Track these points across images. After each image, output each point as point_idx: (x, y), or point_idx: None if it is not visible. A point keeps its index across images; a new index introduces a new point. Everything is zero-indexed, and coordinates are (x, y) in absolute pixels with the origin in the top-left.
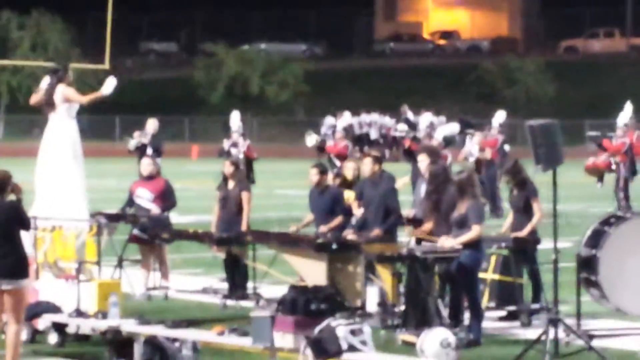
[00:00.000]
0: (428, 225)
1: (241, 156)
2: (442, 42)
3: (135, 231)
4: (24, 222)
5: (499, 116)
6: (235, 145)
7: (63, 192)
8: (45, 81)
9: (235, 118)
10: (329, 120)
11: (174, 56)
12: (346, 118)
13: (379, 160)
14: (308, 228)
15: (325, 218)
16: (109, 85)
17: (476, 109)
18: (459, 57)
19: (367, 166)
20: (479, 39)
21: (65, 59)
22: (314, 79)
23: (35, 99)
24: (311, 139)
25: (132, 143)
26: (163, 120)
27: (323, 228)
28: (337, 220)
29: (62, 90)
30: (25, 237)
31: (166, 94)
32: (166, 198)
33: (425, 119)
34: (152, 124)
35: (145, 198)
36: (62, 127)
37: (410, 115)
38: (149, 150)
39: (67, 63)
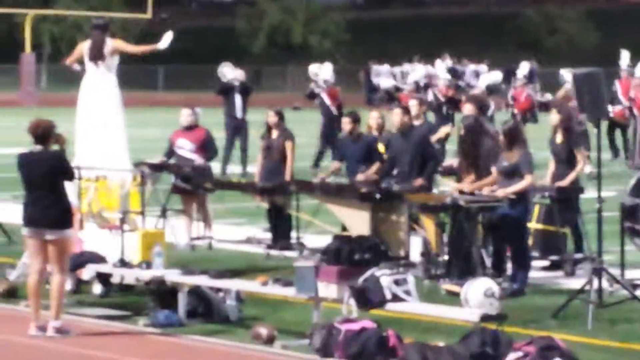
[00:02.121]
0: (468, 179)
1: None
2: None
3: (177, 181)
4: (68, 173)
5: (524, 67)
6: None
7: (105, 143)
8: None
9: (327, 69)
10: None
11: (215, 5)
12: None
13: (407, 110)
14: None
15: (358, 166)
16: (166, 39)
17: (518, 57)
18: (500, 5)
19: (397, 117)
20: None
21: (107, 8)
22: (355, 28)
23: (72, 58)
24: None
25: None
26: (205, 70)
27: (361, 176)
28: (374, 167)
29: (114, 43)
30: (70, 187)
31: (208, 43)
32: (207, 148)
33: (421, 69)
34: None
35: (186, 148)
36: (103, 79)
37: (451, 64)
38: (237, 95)
39: (107, 18)
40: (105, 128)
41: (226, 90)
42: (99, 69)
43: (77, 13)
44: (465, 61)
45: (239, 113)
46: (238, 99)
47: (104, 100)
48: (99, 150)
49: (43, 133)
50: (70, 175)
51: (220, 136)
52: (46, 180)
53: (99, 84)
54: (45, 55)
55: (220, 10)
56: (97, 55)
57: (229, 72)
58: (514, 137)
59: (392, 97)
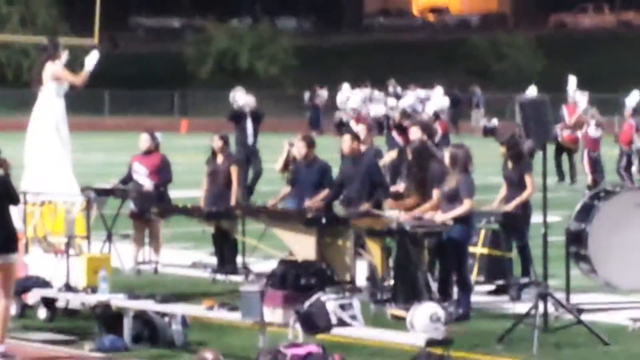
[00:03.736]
0: (409, 201)
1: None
2: (431, 17)
3: (133, 207)
4: (13, 198)
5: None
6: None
7: (51, 169)
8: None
9: (356, 97)
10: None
11: (163, 31)
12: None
13: (357, 137)
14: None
15: (312, 191)
16: (92, 59)
17: (466, 84)
18: (448, 32)
19: (346, 144)
20: (468, 14)
21: (54, 33)
22: (303, 54)
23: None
24: None
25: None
26: (152, 95)
27: (308, 202)
28: (323, 193)
29: (52, 68)
30: (15, 211)
31: (156, 68)
32: (161, 173)
33: (412, 95)
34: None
35: (140, 173)
36: (48, 105)
37: (397, 89)
38: (249, 121)
39: (57, 40)
40: (46, 153)
41: (238, 117)
42: (42, 93)
43: (23, 38)
44: (412, 86)
45: (250, 139)
46: (249, 125)
47: (43, 126)
48: (44, 175)
49: None
50: (15, 200)
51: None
52: None
53: (40, 109)
54: None
55: (168, 35)
56: (36, 79)
57: (241, 98)
58: (456, 162)
59: (341, 124)
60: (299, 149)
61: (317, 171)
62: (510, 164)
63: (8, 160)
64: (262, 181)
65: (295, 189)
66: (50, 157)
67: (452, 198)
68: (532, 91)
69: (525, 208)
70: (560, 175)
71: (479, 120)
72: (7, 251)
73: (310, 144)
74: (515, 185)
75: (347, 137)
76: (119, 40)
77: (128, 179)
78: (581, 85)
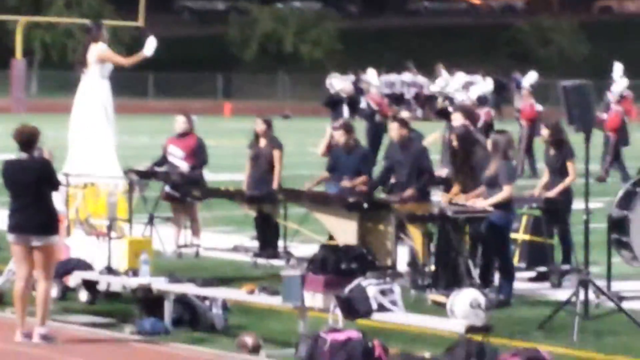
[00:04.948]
0: (455, 189)
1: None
2: (476, 1)
3: (168, 188)
4: (54, 183)
5: (530, 77)
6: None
7: (95, 151)
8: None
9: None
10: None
11: (207, 13)
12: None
13: (405, 124)
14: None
15: (351, 178)
16: (150, 45)
17: (510, 68)
18: (493, 16)
19: (395, 131)
20: None
21: (99, 16)
22: (347, 38)
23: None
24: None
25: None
26: (196, 78)
27: (346, 183)
28: (362, 178)
29: (98, 50)
30: (57, 194)
31: (200, 51)
32: (197, 156)
33: (459, 79)
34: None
35: (176, 155)
36: (94, 87)
37: (444, 74)
38: (345, 107)
39: (101, 21)
40: (92, 135)
41: (333, 103)
42: (86, 75)
43: (69, 20)
44: (455, 71)
45: None
46: (345, 111)
47: (89, 107)
48: (88, 157)
49: (28, 139)
50: (55, 186)
51: (223, 144)
52: (32, 188)
53: (86, 90)
54: (36, 62)
55: (212, 18)
56: (81, 61)
57: (337, 84)
58: (496, 148)
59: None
60: (337, 137)
61: (357, 158)
62: (552, 151)
63: (51, 144)
64: (302, 165)
65: (334, 176)
66: (96, 139)
67: (493, 184)
68: (532, 77)
69: (567, 194)
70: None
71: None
72: (47, 233)
73: (348, 130)
74: (557, 171)
75: (395, 125)
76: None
77: (163, 161)
78: (626, 72)
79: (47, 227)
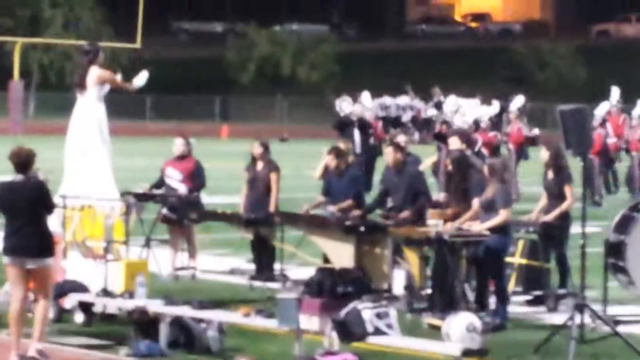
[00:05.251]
0: (450, 211)
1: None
2: (473, 24)
3: (165, 211)
4: (48, 206)
5: (518, 101)
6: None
7: (92, 173)
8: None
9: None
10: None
11: (205, 36)
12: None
13: (400, 148)
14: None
15: (343, 202)
16: (141, 78)
17: (507, 92)
18: (490, 40)
19: (389, 155)
20: (511, 22)
21: (97, 37)
22: (345, 61)
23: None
24: None
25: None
26: (193, 100)
27: (332, 208)
28: (347, 202)
29: (97, 72)
30: (54, 215)
31: (197, 73)
32: (195, 178)
33: (451, 102)
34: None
35: (174, 178)
36: (90, 109)
37: (441, 98)
38: (356, 130)
39: (98, 44)
40: (88, 157)
41: (344, 125)
42: (83, 97)
43: (66, 42)
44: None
45: (357, 149)
46: (356, 134)
47: (85, 129)
48: (84, 179)
49: (24, 161)
50: (50, 209)
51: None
52: (27, 210)
53: (82, 113)
54: (33, 84)
55: (209, 40)
56: (79, 83)
57: (347, 107)
58: (493, 172)
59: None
60: (329, 161)
61: (346, 181)
62: (550, 174)
63: (48, 166)
64: (299, 188)
65: (328, 200)
66: (91, 161)
67: (490, 208)
68: (519, 101)
69: (564, 219)
70: (606, 186)
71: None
72: (42, 255)
73: (339, 155)
74: (555, 195)
75: (389, 149)
76: (160, 46)
77: (160, 183)
78: (623, 96)
79: (42, 250)
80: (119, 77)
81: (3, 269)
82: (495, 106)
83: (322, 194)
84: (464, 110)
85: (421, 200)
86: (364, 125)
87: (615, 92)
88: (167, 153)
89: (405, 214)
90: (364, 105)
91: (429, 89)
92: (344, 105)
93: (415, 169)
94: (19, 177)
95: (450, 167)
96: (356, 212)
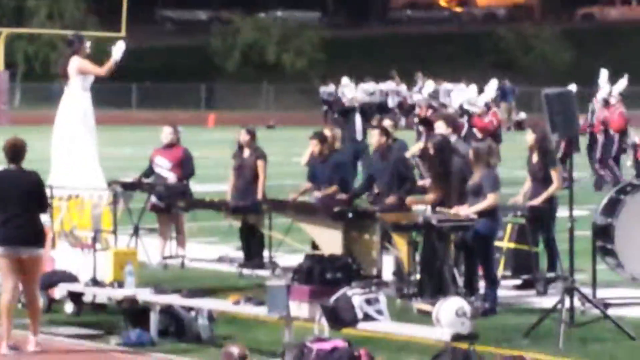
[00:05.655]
0: (430, 196)
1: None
2: (458, 9)
3: (154, 199)
4: (42, 205)
5: (620, 84)
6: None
7: (79, 163)
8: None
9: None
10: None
11: (189, 24)
12: (429, 85)
13: (386, 132)
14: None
15: (326, 187)
16: (118, 49)
17: (492, 76)
18: (475, 24)
19: (374, 138)
20: (495, 6)
21: (82, 27)
22: (330, 47)
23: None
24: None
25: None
26: (179, 88)
27: (317, 193)
28: (332, 188)
29: (77, 62)
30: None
31: (182, 61)
32: (184, 167)
33: (429, 86)
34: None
35: (163, 166)
36: (75, 99)
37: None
38: (357, 116)
39: (82, 34)
40: (74, 147)
41: (346, 112)
42: (68, 87)
43: (51, 31)
44: (440, 80)
45: (359, 135)
46: (358, 120)
47: (70, 119)
48: (71, 169)
49: (20, 151)
50: (43, 207)
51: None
52: (22, 199)
53: (67, 103)
54: (19, 74)
55: (194, 28)
56: (62, 74)
57: (349, 93)
58: (479, 157)
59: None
60: (312, 146)
61: (329, 167)
62: (535, 157)
63: (35, 156)
64: (286, 175)
65: (313, 185)
66: (77, 151)
67: (477, 193)
68: (622, 84)
69: (550, 202)
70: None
71: (509, 113)
72: (36, 245)
73: (322, 140)
74: (540, 179)
75: (375, 132)
76: (146, 35)
77: (149, 172)
78: (611, 79)
79: (36, 240)
80: (98, 69)
81: None
82: (490, 91)
83: (307, 179)
84: (473, 98)
85: (406, 185)
86: (365, 112)
87: (603, 74)
88: (153, 141)
89: (391, 199)
90: (364, 91)
91: (414, 74)
92: (346, 91)
93: (400, 154)
94: (12, 167)
95: (431, 152)
96: (342, 197)
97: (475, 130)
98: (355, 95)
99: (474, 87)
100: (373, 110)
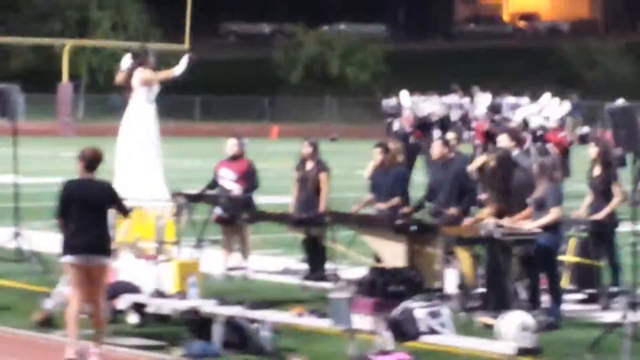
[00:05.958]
0: (488, 210)
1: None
2: (521, 23)
3: (219, 211)
4: (124, 209)
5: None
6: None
7: (143, 174)
8: (126, 61)
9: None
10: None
11: (253, 37)
12: (486, 98)
13: (447, 143)
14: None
15: (387, 198)
16: (182, 64)
17: (556, 91)
18: (538, 39)
19: (436, 149)
20: (559, 21)
21: (145, 39)
22: (393, 60)
23: (118, 77)
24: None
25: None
26: (242, 101)
27: (380, 205)
28: (395, 200)
29: (140, 74)
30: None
31: (246, 74)
32: (248, 179)
33: (484, 100)
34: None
35: (228, 178)
36: (138, 111)
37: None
38: (436, 132)
39: (147, 46)
40: (138, 159)
41: (424, 126)
42: (132, 100)
43: (115, 43)
44: (504, 93)
45: None
46: (437, 133)
47: (134, 132)
48: (135, 181)
49: (96, 161)
50: (126, 212)
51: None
52: (93, 209)
53: (131, 115)
54: (82, 86)
55: (257, 41)
56: (126, 86)
57: (428, 107)
58: (543, 171)
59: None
60: (375, 156)
61: (390, 179)
62: (597, 171)
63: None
64: (348, 188)
65: (375, 197)
66: (141, 163)
67: (540, 207)
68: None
69: (612, 216)
70: None
71: (575, 127)
72: (107, 254)
73: (386, 150)
74: (600, 193)
75: (437, 143)
76: (209, 47)
77: (214, 184)
78: None
79: (105, 249)
80: (157, 75)
81: (53, 269)
82: (564, 106)
83: (369, 191)
84: (547, 111)
85: (467, 197)
86: (445, 126)
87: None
88: (216, 153)
89: (452, 210)
90: (443, 104)
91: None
92: (423, 106)
93: (461, 166)
94: (87, 176)
95: (492, 165)
96: (404, 210)
97: (549, 145)
98: (434, 110)
99: (543, 101)
100: (451, 124)
